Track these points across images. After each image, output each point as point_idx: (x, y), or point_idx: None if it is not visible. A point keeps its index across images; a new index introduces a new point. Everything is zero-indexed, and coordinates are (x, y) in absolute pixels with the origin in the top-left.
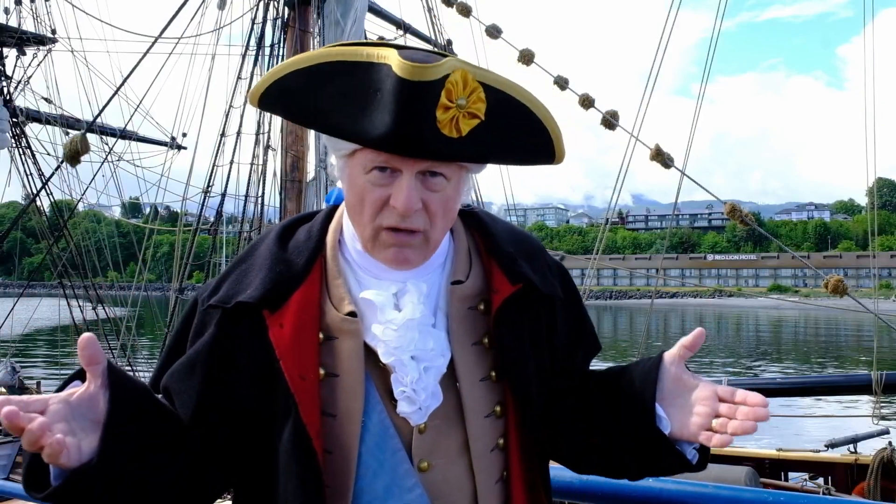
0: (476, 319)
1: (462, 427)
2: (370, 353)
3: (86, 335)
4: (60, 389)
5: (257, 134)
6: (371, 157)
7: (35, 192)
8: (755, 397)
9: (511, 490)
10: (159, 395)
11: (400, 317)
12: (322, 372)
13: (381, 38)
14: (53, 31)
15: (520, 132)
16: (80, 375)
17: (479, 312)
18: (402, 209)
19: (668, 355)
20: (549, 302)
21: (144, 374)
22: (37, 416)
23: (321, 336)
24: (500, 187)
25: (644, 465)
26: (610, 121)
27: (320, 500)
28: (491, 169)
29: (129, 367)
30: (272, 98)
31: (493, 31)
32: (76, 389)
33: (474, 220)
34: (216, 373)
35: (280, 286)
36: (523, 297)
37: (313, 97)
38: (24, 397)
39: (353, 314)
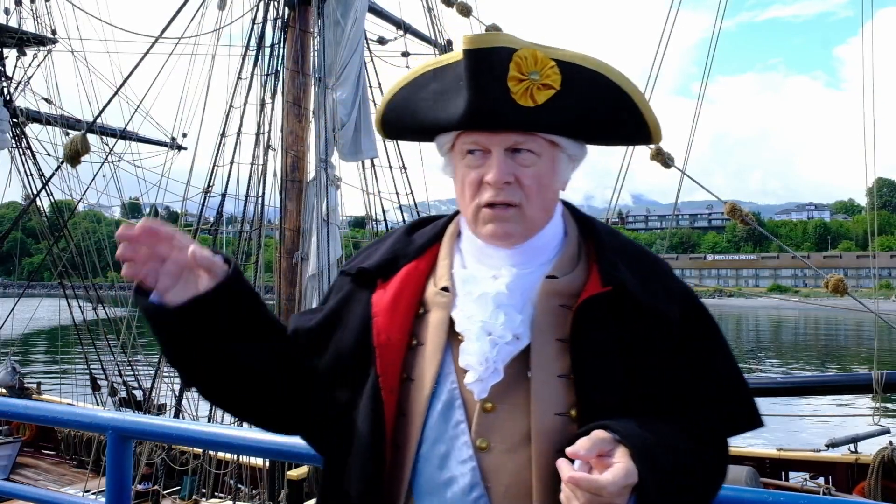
0: (566, 317)
1: (528, 418)
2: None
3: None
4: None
5: (257, 134)
6: (464, 143)
7: (35, 192)
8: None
9: None
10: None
11: (477, 289)
12: (414, 341)
13: (381, 38)
14: (53, 32)
15: (605, 105)
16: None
17: (571, 312)
18: (492, 181)
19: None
20: (656, 319)
21: (144, 375)
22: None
23: (420, 310)
24: None
25: None
26: None
27: (381, 456)
28: None
29: (129, 368)
30: (388, 123)
31: (494, 31)
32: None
33: (589, 228)
34: (332, 323)
35: (393, 260)
36: (617, 303)
37: (413, 106)
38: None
39: (445, 289)
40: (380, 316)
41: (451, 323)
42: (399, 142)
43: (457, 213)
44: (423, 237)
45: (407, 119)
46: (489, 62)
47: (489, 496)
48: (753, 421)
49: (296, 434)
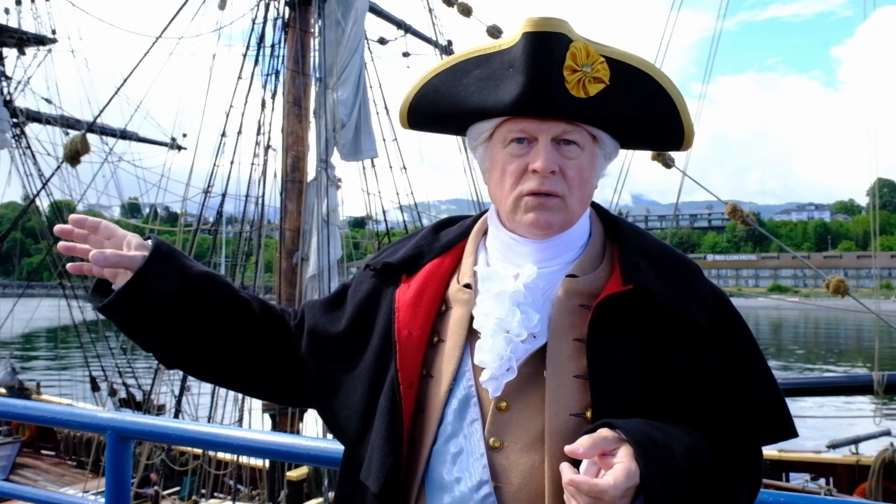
0: (585, 317)
1: (542, 418)
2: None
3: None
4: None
5: (258, 134)
6: (509, 130)
7: (35, 192)
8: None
9: None
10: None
11: (496, 286)
12: (435, 338)
13: (381, 38)
14: (53, 31)
15: (649, 104)
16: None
17: (589, 312)
18: (540, 168)
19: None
20: (679, 322)
21: (145, 375)
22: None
23: (443, 307)
24: None
25: None
26: None
27: (398, 451)
28: None
29: (129, 368)
30: (417, 111)
31: (494, 32)
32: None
33: (615, 228)
34: (359, 324)
35: (418, 256)
36: (639, 304)
37: (454, 91)
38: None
39: (468, 286)
40: (402, 311)
41: (472, 320)
42: (396, 144)
43: (484, 212)
44: (449, 235)
45: (444, 105)
46: (549, 47)
47: (498, 495)
48: (786, 431)
49: (297, 404)
